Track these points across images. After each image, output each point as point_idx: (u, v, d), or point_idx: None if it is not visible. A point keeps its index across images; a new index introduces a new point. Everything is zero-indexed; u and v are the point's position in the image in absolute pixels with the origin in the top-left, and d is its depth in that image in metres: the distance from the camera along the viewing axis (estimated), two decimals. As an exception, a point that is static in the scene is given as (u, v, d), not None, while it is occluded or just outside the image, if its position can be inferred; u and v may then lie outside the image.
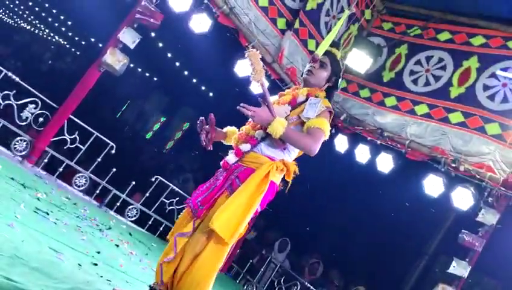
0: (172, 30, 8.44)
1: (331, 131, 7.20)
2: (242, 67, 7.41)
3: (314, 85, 3.16)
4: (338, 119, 8.23)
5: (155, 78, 17.28)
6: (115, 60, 5.71)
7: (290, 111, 3.04)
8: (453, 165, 6.72)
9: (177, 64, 13.58)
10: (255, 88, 7.48)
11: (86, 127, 5.85)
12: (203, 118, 3.02)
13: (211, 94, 14.87)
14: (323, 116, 2.97)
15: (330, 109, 3.10)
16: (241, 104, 2.84)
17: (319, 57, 3.24)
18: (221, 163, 3.04)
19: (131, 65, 14.50)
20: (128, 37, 5.80)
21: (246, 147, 2.99)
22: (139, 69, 16.53)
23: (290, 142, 2.87)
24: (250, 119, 3.04)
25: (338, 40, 7.91)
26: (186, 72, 14.16)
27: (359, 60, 7.68)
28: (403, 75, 7.98)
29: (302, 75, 3.19)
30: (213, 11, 6.72)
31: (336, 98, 8.56)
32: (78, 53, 17.72)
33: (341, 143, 8.08)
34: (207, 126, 3.00)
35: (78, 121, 5.81)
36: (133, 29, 5.91)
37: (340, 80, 3.23)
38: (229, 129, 3.23)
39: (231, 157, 3.03)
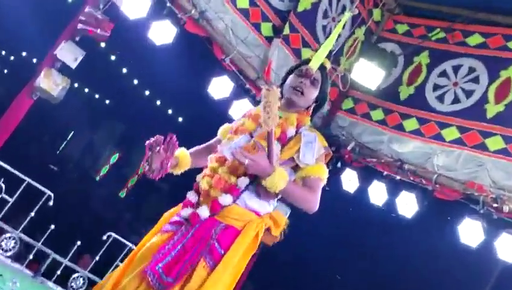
0: (127, 41, 8.48)
1: (336, 165, 7.21)
2: (218, 87, 7.43)
3: (301, 107, 3.15)
4: (344, 150, 8.27)
5: (107, 101, 17.25)
6: (51, 84, 5.69)
7: (281, 151, 3.00)
8: (495, 205, 6.73)
9: (135, 82, 13.61)
10: (234, 112, 7.49)
11: (15, 172, 5.77)
12: (161, 137, 2.96)
13: (180, 119, 14.87)
14: (320, 159, 3.04)
15: (329, 150, 3.14)
16: (237, 149, 2.86)
17: (313, 72, 3.25)
18: (184, 213, 2.97)
19: (75, 85, 14.48)
20: (68, 53, 5.81)
21: (226, 199, 2.90)
22: (86, 90, 16.50)
23: (288, 197, 2.92)
24: (221, 154, 3.02)
25: (339, 48, 8.02)
26: (147, 92, 14.19)
27: (368, 73, 7.76)
28: (425, 90, 8.08)
29: (282, 92, 3.13)
30: (178, 17, 6.78)
31: (341, 122, 8.64)
32: (5, 71, 17.64)
33: (350, 180, 8.09)
34: (164, 150, 2.96)
35: (4, 165, 5.74)
36: (74, 44, 5.91)
37: (327, 99, 3.33)
38: (180, 154, 3.17)
39: (203, 211, 2.96)
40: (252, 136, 3.04)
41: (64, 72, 5.95)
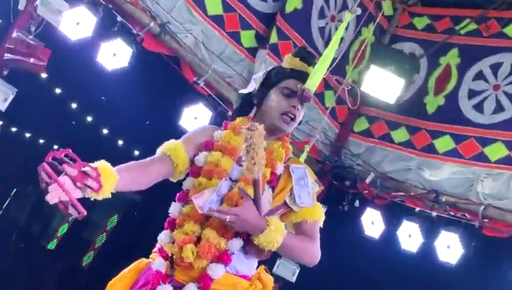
0: (71, 70, 8.49)
1: (353, 204, 7.19)
2: (191, 118, 7.43)
3: (286, 133, 3.22)
4: (362, 184, 8.30)
5: (55, 146, 17.20)
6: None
7: (273, 196, 3.00)
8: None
9: (89, 119, 13.59)
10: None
11: None
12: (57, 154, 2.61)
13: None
14: (314, 198, 3.11)
15: (320, 184, 3.22)
16: (213, 207, 2.86)
17: (311, 93, 3.26)
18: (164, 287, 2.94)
19: (13, 129, 14.47)
20: (-6, 93, 5.82)
21: (218, 271, 2.89)
22: (27, 135, 16.49)
23: (285, 252, 2.99)
24: (199, 210, 2.98)
25: (343, 55, 8.04)
26: (104, 131, 14.15)
27: (384, 83, 7.77)
28: (458, 99, 8.16)
29: (259, 110, 3.15)
30: (133, 33, 6.82)
31: (355, 148, 8.69)
32: None
33: (372, 223, 8.11)
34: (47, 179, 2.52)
35: None
36: (1, 80, 5.93)
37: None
38: (100, 166, 2.63)
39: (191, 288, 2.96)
40: (232, 180, 3.03)
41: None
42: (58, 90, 12.33)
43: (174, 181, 3.11)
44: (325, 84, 8.47)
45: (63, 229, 17.59)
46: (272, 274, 8.53)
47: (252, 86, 3.19)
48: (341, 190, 8.52)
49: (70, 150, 2.51)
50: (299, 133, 8.30)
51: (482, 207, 7.36)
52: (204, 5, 7.37)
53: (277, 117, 3.06)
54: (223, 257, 2.90)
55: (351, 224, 8.30)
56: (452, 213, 7.56)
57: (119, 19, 6.72)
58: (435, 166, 7.95)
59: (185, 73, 7.29)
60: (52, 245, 17.34)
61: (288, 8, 7.91)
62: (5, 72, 6.02)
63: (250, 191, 2.93)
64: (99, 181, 2.52)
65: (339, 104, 8.66)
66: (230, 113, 7.67)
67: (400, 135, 8.43)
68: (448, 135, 8.00)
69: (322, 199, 8.42)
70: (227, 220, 2.81)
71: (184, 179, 3.13)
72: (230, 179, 3.00)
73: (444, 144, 8.00)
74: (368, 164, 8.43)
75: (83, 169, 2.48)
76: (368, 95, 7.99)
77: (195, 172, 3.02)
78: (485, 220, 7.31)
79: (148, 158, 3.01)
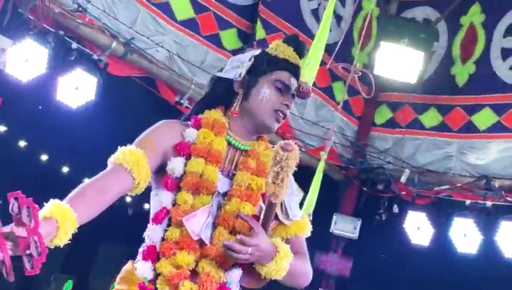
0: (30, 115, 8.52)
1: (390, 210, 7.12)
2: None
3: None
4: (397, 184, 8.30)
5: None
6: None
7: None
8: None
9: (65, 170, 13.60)
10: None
11: None
12: None
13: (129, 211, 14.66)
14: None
15: (301, 191, 3.30)
16: (230, 242, 2.84)
17: (309, 86, 3.28)
18: None
19: None
20: None
21: None
22: None
23: (287, 279, 2.98)
24: (193, 236, 2.96)
25: (346, 36, 8.05)
26: (86, 179, 14.11)
27: (399, 61, 7.80)
28: (490, 62, 8.16)
29: (263, 113, 3.09)
30: (94, 60, 6.84)
31: (381, 143, 8.74)
32: None
33: (418, 228, 8.12)
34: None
35: None
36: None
37: None
38: (53, 210, 2.56)
39: None
40: (220, 194, 3.02)
41: None
42: (22, 143, 12.37)
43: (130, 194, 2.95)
44: (331, 75, 8.49)
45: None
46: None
47: (235, 71, 3.04)
48: (374, 197, 8.56)
49: (32, 201, 2.40)
50: (312, 139, 8.34)
51: None
52: (171, 11, 7.40)
53: (269, 114, 3.01)
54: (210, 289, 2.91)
55: (394, 234, 8.28)
56: (510, 199, 7.55)
57: (74, 45, 6.73)
58: (479, 147, 7.95)
59: (164, 94, 7.31)
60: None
61: (270, -6, 7.94)
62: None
63: (248, 209, 2.94)
64: (44, 250, 2.38)
65: (352, 95, 8.63)
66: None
67: (431, 118, 8.44)
68: (487, 107, 8.01)
69: (352, 211, 8.60)
70: (249, 252, 2.80)
71: (144, 193, 2.98)
72: (218, 193, 2.95)
73: (484, 118, 8.01)
74: (399, 159, 8.43)
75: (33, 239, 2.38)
76: (383, 78, 8.04)
77: (173, 185, 2.88)
78: (550, 202, 7.33)
79: (102, 175, 2.79)
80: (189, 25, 7.49)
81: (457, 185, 7.93)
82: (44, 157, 13.69)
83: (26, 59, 6.44)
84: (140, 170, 2.76)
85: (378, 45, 7.86)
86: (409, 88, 8.33)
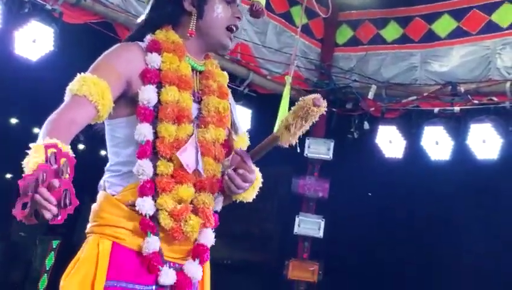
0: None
1: (361, 127, 7.09)
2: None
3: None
4: (366, 101, 8.35)
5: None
6: None
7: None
8: None
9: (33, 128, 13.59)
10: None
11: None
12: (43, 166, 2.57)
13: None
14: None
15: None
16: (230, 172, 2.84)
17: (261, 4, 3.27)
18: (165, 278, 2.89)
19: None
20: None
21: (209, 237, 2.85)
22: None
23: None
24: (190, 167, 2.94)
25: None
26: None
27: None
28: (446, -32, 8.12)
29: (218, 31, 2.99)
30: (48, 10, 6.75)
31: (345, 62, 8.78)
32: None
33: (390, 141, 8.18)
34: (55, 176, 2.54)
35: None
36: None
37: None
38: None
39: (196, 270, 2.94)
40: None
41: None
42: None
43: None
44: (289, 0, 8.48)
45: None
46: (294, 236, 8.63)
47: None
48: (344, 116, 8.58)
49: (68, 153, 2.38)
50: (276, 66, 8.33)
51: (509, 83, 7.39)
52: None
53: (223, 32, 3.01)
54: (214, 221, 2.93)
55: (367, 151, 8.35)
56: (477, 101, 7.59)
57: (27, -1, 6.66)
58: (442, 54, 7.98)
59: (123, 37, 7.24)
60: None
61: None
62: None
63: (223, 135, 2.97)
64: (75, 202, 2.36)
65: (311, 18, 8.64)
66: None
67: (392, 31, 8.45)
68: (446, 14, 8.01)
69: (324, 133, 8.64)
70: (248, 176, 2.84)
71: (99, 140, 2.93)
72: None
73: (444, 25, 8.02)
74: (365, 76, 8.45)
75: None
76: None
77: (150, 116, 2.78)
78: (517, 99, 7.35)
79: (67, 107, 2.67)
80: (142, -37, 7.41)
81: (424, 94, 7.97)
82: (10, 118, 13.68)
83: (-22, 18, 6.39)
84: (105, 102, 2.66)
85: (330, -39, 7.79)
86: (367, 4, 8.39)
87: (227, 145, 2.99)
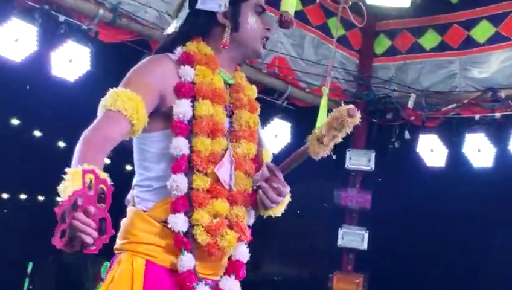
0: (28, 96, 8.54)
1: (402, 137, 7.03)
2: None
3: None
4: (406, 110, 8.30)
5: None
6: None
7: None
8: None
9: (60, 145, 13.65)
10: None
11: None
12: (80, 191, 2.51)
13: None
14: None
15: None
16: (262, 183, 2.86)
17: (290, 15, 3.22)
18: None
19: None
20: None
21: (243, 252, 2.93)
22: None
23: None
24: (225, 183, 2.93)
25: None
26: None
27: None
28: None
29: (254, 41, 3.00)
30: (84, 29, 6.82)
31: (383, 72, 8.75)
32: None
33: (432, 150, 8.13)
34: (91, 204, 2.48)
35: None
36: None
37: None
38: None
39: (233, 286, 2.95)
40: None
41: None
42: (14, 121, 12.37)
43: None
44: (325, 12, 8.46)
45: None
46: (338, 248, 8.57)
47: (215, 2, 2.92)
48: (384, 127, 8.55)
49: (107, 180, 2.35)
50: (314, 78, 8.30)
51: None
52: (154, -31, 7.34)
53: (259, 41, 3.02)
54: (248, 235, 2.94)
55: (409, 160, 8.31)
56: (520, 106, 7.49)
57: (61, 18, 6.67)
58: (482, 60, 7.92)
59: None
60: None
61: None
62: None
63: (253, 150, 2.97)
64: (110, 231, 2.34)
65: (349, 29, 8.64)
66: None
67: (430, 39, 8.40)
68: (484, 20, 7.96)
69: (365, 144, 8.59)
70: (283, 190, 2.86)
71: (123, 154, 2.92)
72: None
73: (483, 31, 7.96)
74: (404, 85, 8.41)
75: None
76: (378, 7, 7.94)
77: (186, 130, 2.76)
78: None
79: (101, 123, 2.64)
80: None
81: (465, 101, 7.90)
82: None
83: (15, 39, 6.40)
84: (139, 117, 2.64)
85: (363, -27, 7.77)
86: (404, 13, 8.28)
87: (257, 160, 2.98)
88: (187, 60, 2.83)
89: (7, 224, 17.11)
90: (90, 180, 2.24)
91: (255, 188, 2.90)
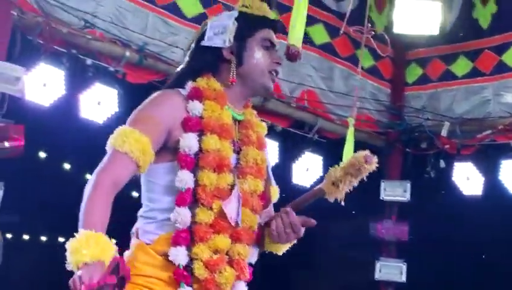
0: (58, 138, 8.59)
1: (437, 166, 6.98)
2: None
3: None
4: (440, 138, 8.25)
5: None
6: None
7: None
8: None
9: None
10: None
11: None
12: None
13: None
14: None
15: None
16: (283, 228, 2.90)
17: (297, 48, 3.29)
18: None
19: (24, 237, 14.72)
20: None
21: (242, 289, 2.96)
22: (42, 239, 16.42)
23: None
24: (230, 219, 2.93)
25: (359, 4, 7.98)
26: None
27: (418, 15, 7.73)
28: (510, -2, 8.01)
29: (261, 76, 3.00)
30: (111, 71, 6.86)
31: (416, 101, 8.69)
32: None
33: (468, 178, 8.05)
34: None
35: None
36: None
37: None
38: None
39: None
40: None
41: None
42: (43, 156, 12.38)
43: None
44: (353, 43, 8.42)
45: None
46: (374, 281, 8.50)
47: (221, 37, 2.94)
48: (419, 156, 8.48)
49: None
50: (344, 110, 8.23)
51: None
52: (179, 9, 7.37)
53: (267, 76, 3.00)
54: (248, 274, 2.95)
55: (445, 189, 8.29)
56: (557, 130, 7.44)
57: (89, 61, 6.73)
58: (514, 84, 7.84)
59: (186, 92, 7.31)
60: None
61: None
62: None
63: (260, 186, 2.98)
64: None
65: (378, 60, 8.59)
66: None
67: (461, 66, 8.36)
68: (514, 45, 7.89)
69: (400, 174, 8.50)
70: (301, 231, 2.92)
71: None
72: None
73: (512, 55, 7.89)
74: (437, 114, 8.37)
75: None
76: (407, 36, 8.02)
77: (191, 164, 2.77)
78: None
79: (110, 166, 2.68)
80: (200, 20, 7.35)
81: (499, 127, 7.85)
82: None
83: (43, 84, 6.45)
84: (146, 158, 2.68)
85: (393, 3, 7.79)
86: (434, 41, 8.28)
87: (264, 197, 2.98)
88: (196, 95, 2.85)
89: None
90: (116, 266, 2.32)
91: (262, 224, 2.94)
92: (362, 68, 8.22)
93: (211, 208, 2.73)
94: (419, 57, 8.71)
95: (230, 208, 2.79)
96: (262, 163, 2.99)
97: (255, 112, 3.10)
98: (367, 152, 2.88)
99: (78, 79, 6.74)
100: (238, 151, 2.93)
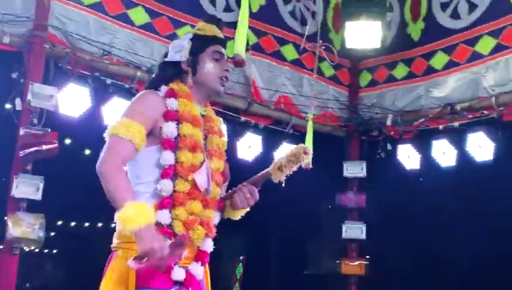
0: (88, 144, 8.56)
1: (385, 149, 6.88)
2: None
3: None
4: (386, 127, 8.17)
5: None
6: (24, 229, 5.74)
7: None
8: None
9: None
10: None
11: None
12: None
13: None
14: None
15: None
16: (247, 194, 2.95)
17: (241, 56, 3.39)
18: (178, 275, 2.77)
19: (59, 223, 14.60)
20: (26, 187, 5.89)
21: (210, 244, 2.94)
22: (72, 224, 16.05)
23: None
24: (202, 187, 2.84)
25: (322, 26, 7.90)
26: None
27: (363, 33, 7.64)
28: (435, 17, 7.97)
29: (212, 82, 2.98)
30: (127, 88, 6.81)
31: (367, 100, 8.60)
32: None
33: (408, 156, 7.98)
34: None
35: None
36: (28, 174, 5.96)
37: None
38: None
39: (198, 270, 2.86)
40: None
41: (33, 209, 5.98)
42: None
43: None
44: (315, 57, 8.34)
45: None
46: (342, 240, 8.41)
47: (179, 54, 2.97)
48: (372, 142, 8.43)
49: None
50: (314, 109, 8.15)
51: (493, 98, 7.15)
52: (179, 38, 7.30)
53: (216, 81, 3.00)
54: (215, 232, 2.95)
55: (392, 166, 8.14)
56: (471, 116, 7.39)
57: (108, 81, 6.69)
58: (440, 83, 7.77)
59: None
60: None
61: (254, 8, 7.77)
62: (29, 167, 6.03)
63: (222, 165, 2.99)
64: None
65: (338, 69, 8.53)
66: (243, 119, 7.56)
67: (400, 71, 8.28)
68: (440, 51, 7.84)
69: (358, 156, 8.43)
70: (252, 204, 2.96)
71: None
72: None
73: (439, 60, 7.83)
74: (383, 108, 8.29)
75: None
76: (357, 50, 7.92)
77: (172, 146, 2.80)
78: (500, 108, 7.12)
79: (117, 151, 2.68)
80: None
81: (430, 116, 7.79)
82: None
83: (73, 99, 6.45)
84: (141, 143, 2.70)
85: (344, 25, 7.72)
86: (380, 52, 8.18)
87: (224, 174, 3.02)
88: (172, 94, 2.88)
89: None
90: (182, 241, 2.66)
91: (222, 196, 2.97)
92: (325, 76, 8.40)
93: (187, 180, 2.76)
94: (368, 66, 8.63)
95: (201, 178, 2.80)
96: (223, 147, 3.03)
97: (212, 109, 3.11)
98: (305, 145, 2.94)
99: (101, 95, 6.70)
100: (204, 139, 2.94)
